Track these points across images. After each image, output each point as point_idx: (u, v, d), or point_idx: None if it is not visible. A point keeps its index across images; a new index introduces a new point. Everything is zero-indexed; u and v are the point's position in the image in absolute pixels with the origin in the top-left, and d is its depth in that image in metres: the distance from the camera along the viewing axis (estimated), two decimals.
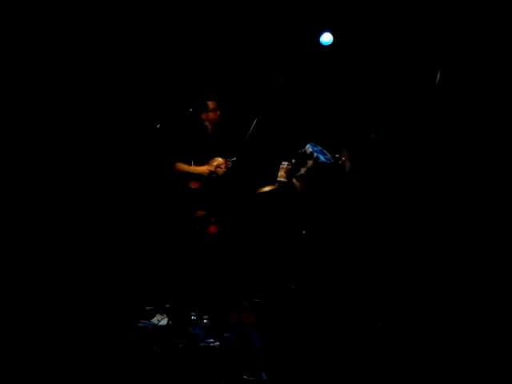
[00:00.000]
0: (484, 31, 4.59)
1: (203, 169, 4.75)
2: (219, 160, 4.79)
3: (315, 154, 4.52)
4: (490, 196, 4.50)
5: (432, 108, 4.59)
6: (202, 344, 3.79)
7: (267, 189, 4.62)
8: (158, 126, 4.61)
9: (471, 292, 4.18)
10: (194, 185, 4.77)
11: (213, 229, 4.60)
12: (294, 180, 4.59)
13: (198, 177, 4.76)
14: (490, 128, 4.56)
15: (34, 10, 4.76)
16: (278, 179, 4.63)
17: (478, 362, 3.42)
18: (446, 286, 4.27)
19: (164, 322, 4.24)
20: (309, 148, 4.57)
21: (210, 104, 4.86)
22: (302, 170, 4.55)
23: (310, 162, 4.53)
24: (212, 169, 4.74)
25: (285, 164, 4.65)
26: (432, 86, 4.59)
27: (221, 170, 4.75)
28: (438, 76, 4.28)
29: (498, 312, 3.93)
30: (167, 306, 4.44)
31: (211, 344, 3.77)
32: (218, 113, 4.89)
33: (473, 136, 4.61)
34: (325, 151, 4.67)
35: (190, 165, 4.80)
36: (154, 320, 4.28)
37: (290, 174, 4.59)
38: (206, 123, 4.91)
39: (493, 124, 4.55)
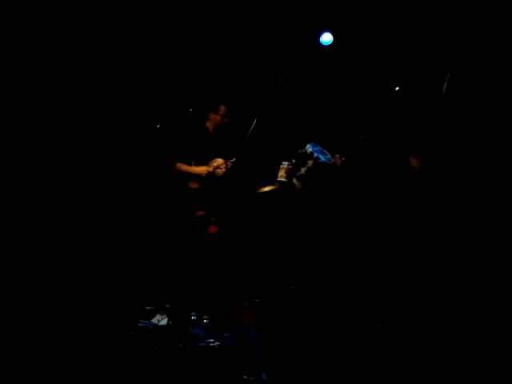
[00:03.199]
0: (491, 33, 4.58)
1: (202, 169, 4.76)
2: (219, 161, 4.79)
3: (315, 154, 4.53)
4: (489, 198, 4.49)
5: (434, 110, 4.58)
6: (201, 344, 3.78)
7: (267, 189, 4.63)
8: (158, 126, 4.61)
9: (471, 292, 4.18)
10: (193, 185, 4.78)
11: (213, 229, 4.61)
12: (294, 180, 4.60)
13: (196, 177, 4.77)
14: (493, 133, 4.55)
15: (34, 10, 4.75)
16: (278, 179, 4.64)
17: (478, 362, 3.42)
18: (445, 286, 4.27)
19: (164, 322, 4.24)
20: (309, 148, 4.58)
21: (222, 108, 4.88)
22: (303, 170, 4.56)
23: (310, 162, 4.54)
24: (210, 169, 4.74)
25: (285, 164, 4.66)
26: (434, 90, 4.58)
27: (220, 171, 4.75)
28: (446, 82, 4.25)
29: (498, 312, 3.93)
30: (167, 305, 4.44)
31: (211, 344, 3.77)
32: (225, 120, 4.90)
33: (472, 137, 4.60)
34: (325, 151, 4.68)
35: (191, 165, 4.80)
36: (154, 320, 4.28)
37: (290, 173, 4.60)
38: (209, 124, 4.91)
39: (496, 130, 4.54)
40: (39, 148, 4.86)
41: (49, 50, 4.86)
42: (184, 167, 4.78)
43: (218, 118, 4.89)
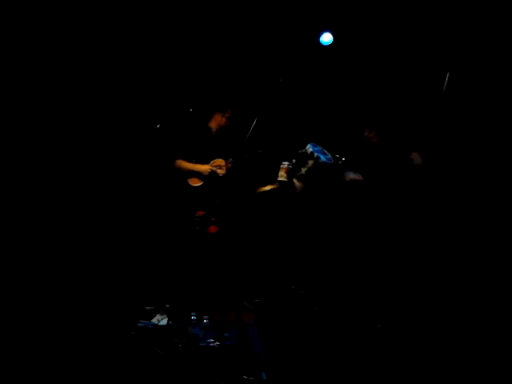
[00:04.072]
0: (490, 32, 4.58)
1: (205, 168, 4.76)
2: (220, 161, 4.79)
3: (316, 154, 4.53)
4: (490, 197, 4.50)
5: (435, 110, 4.59)
6: (201, 344, 3.79)
7: (267, 188, 4.63)
8: (158, 126, 4.61)
9: (471, 292, 4.18)
10: (193, 182, 4.78)
11: (213, 229, 4.60)
12: (294, 180, 4.60)
13: (198, 174, 4.77)
14: (495, 132, 4.56)
15: (34, 10, 4.75)
16: (279, 179, 4.64)
17: (478, 362, 3.42)
18: (445, 286, 4.27)
19: (164, 322, 4.24)
20: (309, 148, 4.58)
21: (229, 111, 4.89)
22: (303, 170, 4.56)
23: (310, 162, 4.54)
24: (213, 169, 4.75)
25: (285, 164, 4.65)
26: (434, 88, 4.58)
27: (221, 171, 4.76)
28: (447, 79, 4.24)
29: (498, 312, 3.94)
30: (167, 305, 4.44)
31: (211, 344, 3.77)
32: (229, 124, 4.91)
33: (476, 138, 4.61)
34: (325, 151, 4.67)
35: (192, 163, 4.81)
36: (154, 320, 4.28)
37: (290, 173, 4.60)
38: (213, 124, 4.91)
39: (497, 128, 4.55)
40: (40, 147, 4.86)
41: (49, 51, 4.87)
42: (185, 164, 4.77)
43: (224, 120, 4.89)
